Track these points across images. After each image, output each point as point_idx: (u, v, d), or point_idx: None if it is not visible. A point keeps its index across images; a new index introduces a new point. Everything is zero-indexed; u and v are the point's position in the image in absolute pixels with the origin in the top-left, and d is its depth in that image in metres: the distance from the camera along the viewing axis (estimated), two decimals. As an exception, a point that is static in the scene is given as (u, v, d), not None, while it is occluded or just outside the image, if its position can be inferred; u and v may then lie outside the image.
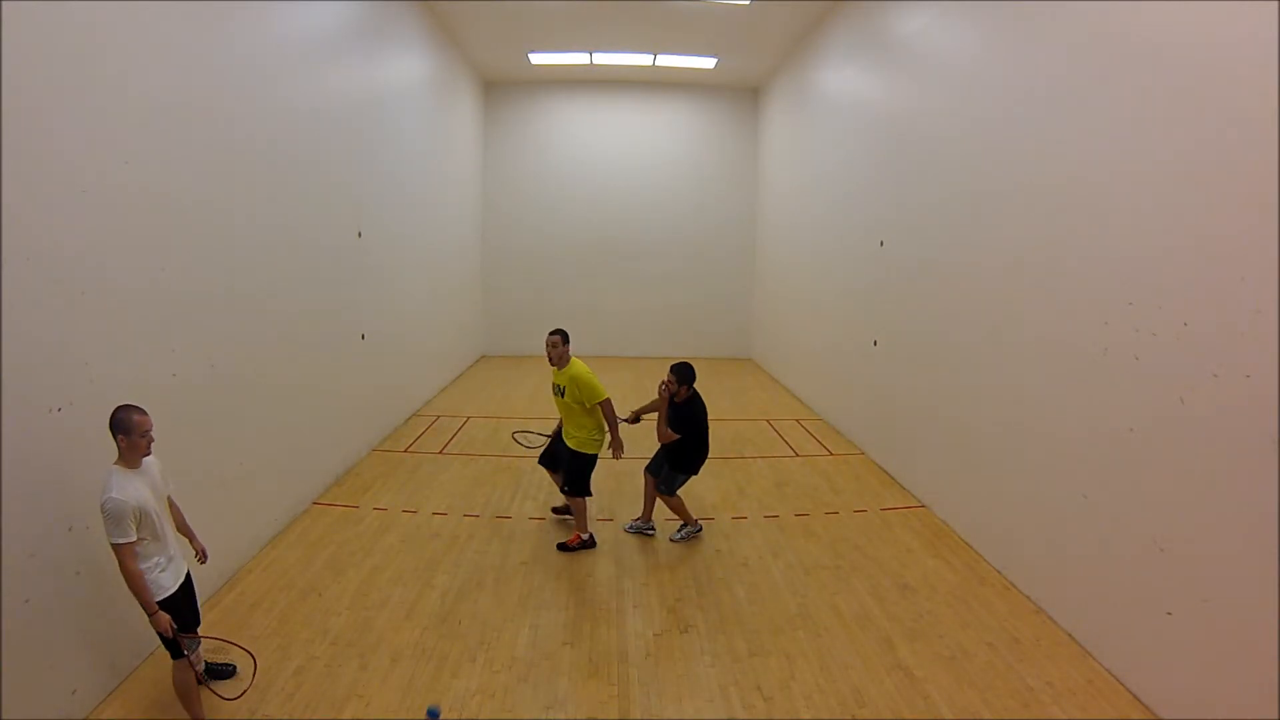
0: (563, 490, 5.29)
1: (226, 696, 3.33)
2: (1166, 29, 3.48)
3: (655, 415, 5.28)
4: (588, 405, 5.05)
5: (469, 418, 9.01)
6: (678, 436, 5.12)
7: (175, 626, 3.03)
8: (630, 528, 5.59)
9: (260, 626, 4.13)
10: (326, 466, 6.38)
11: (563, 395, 5.12)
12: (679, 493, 5.38)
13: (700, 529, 5.52)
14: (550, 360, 5.17)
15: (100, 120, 3.44)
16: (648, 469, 5.47)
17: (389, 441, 7.85)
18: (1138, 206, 3.66)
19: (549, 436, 5.68)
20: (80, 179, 3.31)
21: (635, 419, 5.49)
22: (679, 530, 5.49)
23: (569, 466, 5.19)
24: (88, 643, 3.36)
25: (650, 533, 5.53)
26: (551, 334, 5.14)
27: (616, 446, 5.18)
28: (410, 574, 4.81)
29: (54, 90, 3.16)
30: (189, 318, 4.19)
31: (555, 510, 5.87)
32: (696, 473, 5.33)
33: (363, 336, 7.22)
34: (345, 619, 4.23)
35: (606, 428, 5.14)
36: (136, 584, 2.95)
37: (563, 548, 5.20)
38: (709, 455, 5.35)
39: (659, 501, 5.44)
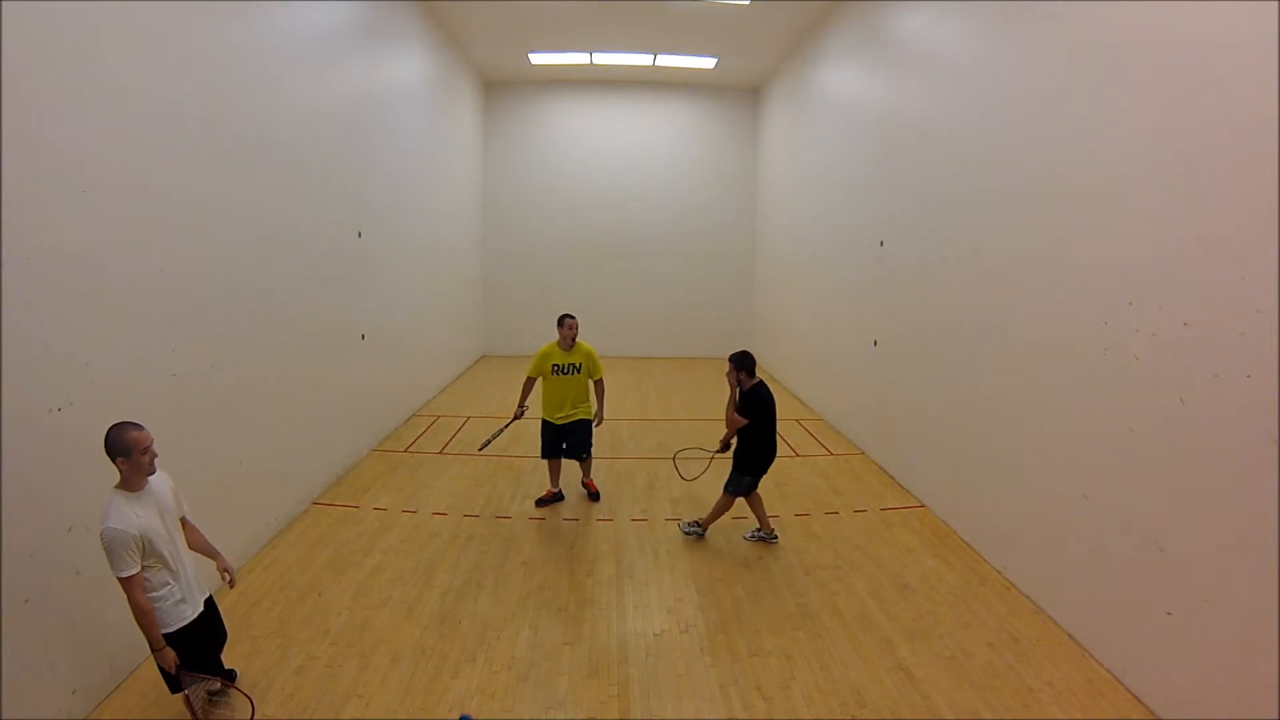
0: (583, 457, 6.02)
1: None
2: (1167, 29, 3.47)
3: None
4: (594, 378, 5.86)
5: (469, 418, 9.01)
6: (746, 421, 5.03)
7: (179, 664, 2.92)
8: (750, 536, 5.46)
9: (260, 626, 4.13)
10: (326, 466, 6.38)
11: (577, 371, 5.76)
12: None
13: (703, 534, 5.47)
14: (568, 341, 5.71)
15: (100, 120, 3.44)
16: (726, 489, 5.32)
17: (389, 441, 7.85)
18: (1138, 206, 3.66)
19: (506, 425, 6.19)
20: (80, 179, 3.31)
21: (725, 446, 5.37)
22: (690, 524, 5.48)
23: (583, 436, 5.94)
24: (88, 643, 3.36)
25: (773, 540, 5.39)
26: (571, 317, 5.75)
27: (600, 417, 6.02)
28: (410, 574, 4.81)
29: (54, 90, 3.16)
30: (189, 318, 4.19)
31: (540, 502, 6.09)
32: (765, 471, 5.20)
33: (363, 336, 7.22)
34: (345, 619, 4.23)
35: (596, 398, 5.97)
36: (145, 619, 2.80)
37: (591, 494, 6.13)
38: (776, 455, 5.23)
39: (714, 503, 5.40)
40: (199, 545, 3.28)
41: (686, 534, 5.45)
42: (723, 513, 5.34)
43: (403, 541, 5.32)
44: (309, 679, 3.66)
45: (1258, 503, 2.94)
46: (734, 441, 5.25)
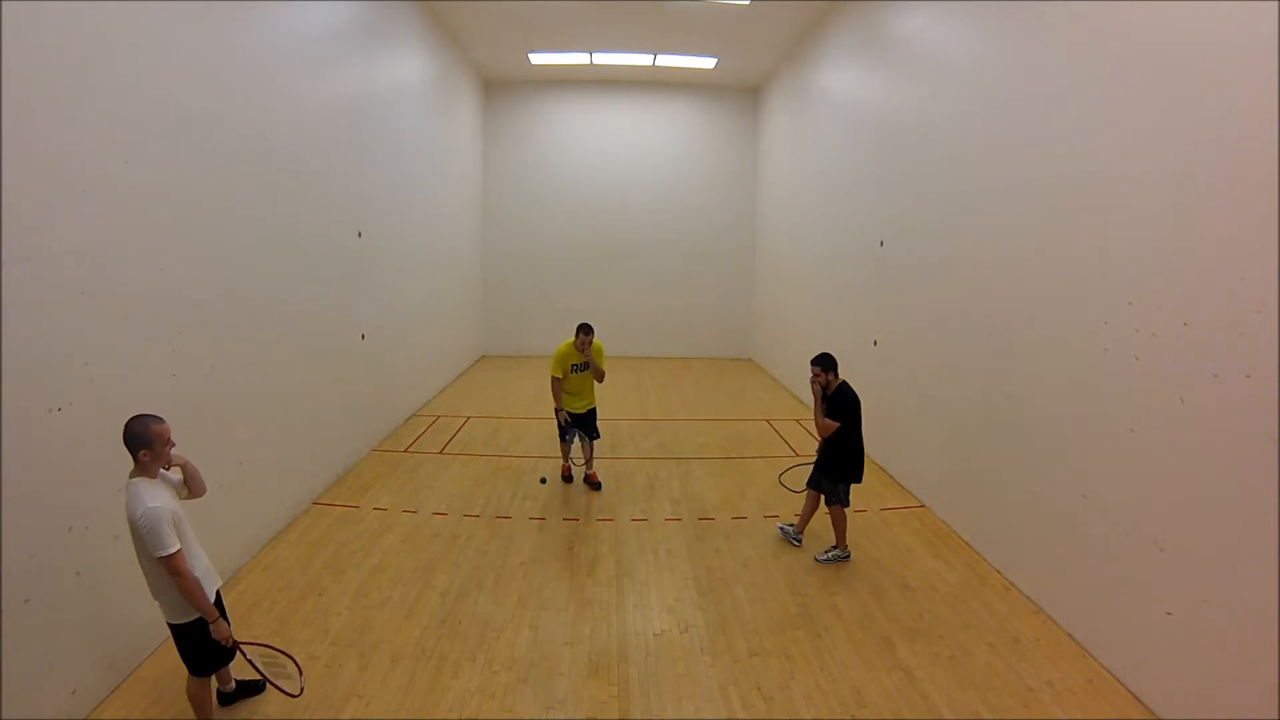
0: (593, 437, 6.60)
1: (290, 693, 3.29)
2: (1166, 29, 3.48)
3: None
4: (600, 367, 6.41)
5: (469, 418, 9.01)
6: (838, 424, 4.85)
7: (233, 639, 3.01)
8: (782, 530, 5.41)
9: (260, 626, 4.12)
10: (326, 466, 6.38)
11: (589, 368, 6.38)
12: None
13: (848, 555, 5.12)
14: (584, 346, 6.23)
15: (100, 120, 3.44)
16: (809, 483, 5.24)
17: (389, 441, 7.85)
18: (1138, 206, 3.66)
19: (566, 427, 6.42)
20: (80, 179, 3.31)
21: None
22: (826, 551, 5.14)
23: (592, 422, 6.58)
24: (88, 643, 3.36)
25: (796, 543, 5.31)
26: (589, 333, 6.24)
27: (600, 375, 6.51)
28: (410, 574, 4.81)
29: (54, 90, 3.16)
30: (189, 318, 4.19)
31: (566, 478, 6.70)
32: (859, 478, 5.01)
33: (363, 336, 7.22)
34: (345, 619, 4.23)
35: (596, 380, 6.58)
36: (195, 590, 2.85)
37: (594, 484, 6.54)
38: (865, 457, 5.05)
39: (812, 514, 5.26)
40: (198, 484, 3.15)
41: (824, 561, 5.07)
42: (844, 525, 5.08)
43: (403, 541, 5.32)
44: (309, 679, 3.65)
45: (1258, 503, 2.94)
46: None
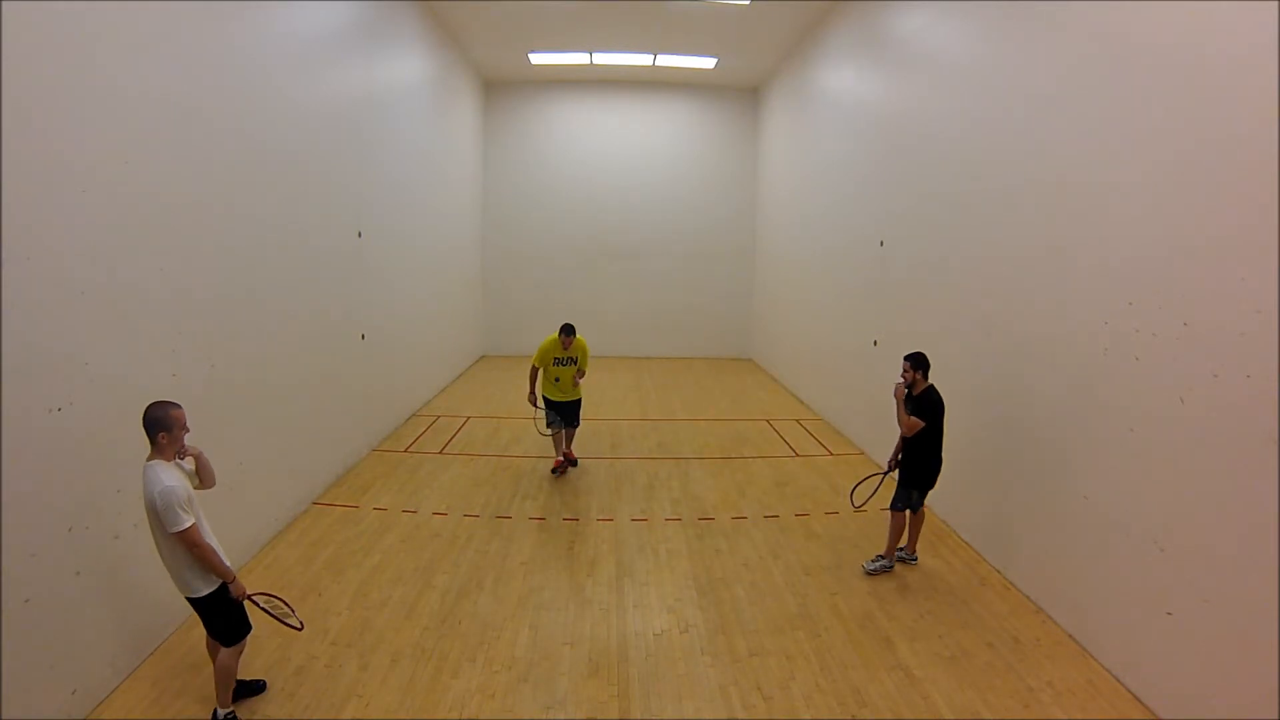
0: (574, 426, 6.97)
1: (296, 627, 3.48)
2: (1167, 29, 3.48)
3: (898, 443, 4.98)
4: (583, 365, 6.77)
5: (469, 418, 9.01)
6: (923, 424, 4.69)
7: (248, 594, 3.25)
8: (902, 557, 5.15)
9: (260, 626, 4.11)
10: (326, 466, 6.38)
11: (574, 363, 6.72)
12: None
13: (892, 566, 5.00)
14: (567, 346, 6.59)
15: (100, 120, 3.44)
16: (892, 506, 4.99)
17: (389, 441, 7.85)
18: (1138, 206, 3.66)
19: (540, 412, 6.88)
20: (80, 179, 3.31)
21: (895, 464, 5.05)
22: (873, 561, 5.00)
23: (576, 412, 6.94)
24: (87, 643, 3.36)
25: (912, 560, 5.11)
26: (571, 336, 6.58)
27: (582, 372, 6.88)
28: (410, 574, 4.81)
29: (54, 90, 3.15)
30: (188, 318, 4.19)
31: (556, 471, 6.90)
32: (933, 485, 4.88)
33: (363, 336, 7.22)
34: (345, 619, 4.23)
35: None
36: (211, 557, 3.03)
37: (571, 461, 7.02)
38: (942, 465, 4.85)
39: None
40: (209, 475, 3.32)
41: (871, 572, 4.94)
42: (899, 534, 4.97)
43: (403, 541, 5.32)
44: (309, 679, 3.66)
45: (1257, 503, 2.94)
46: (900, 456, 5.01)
